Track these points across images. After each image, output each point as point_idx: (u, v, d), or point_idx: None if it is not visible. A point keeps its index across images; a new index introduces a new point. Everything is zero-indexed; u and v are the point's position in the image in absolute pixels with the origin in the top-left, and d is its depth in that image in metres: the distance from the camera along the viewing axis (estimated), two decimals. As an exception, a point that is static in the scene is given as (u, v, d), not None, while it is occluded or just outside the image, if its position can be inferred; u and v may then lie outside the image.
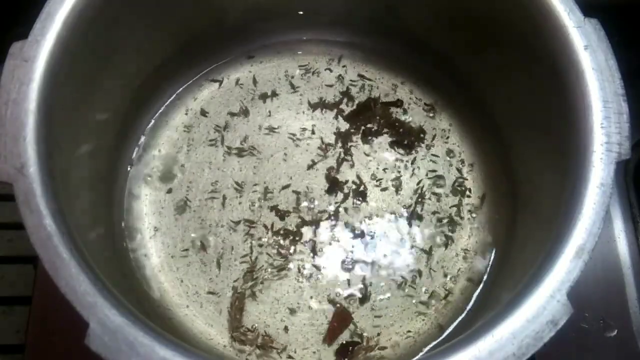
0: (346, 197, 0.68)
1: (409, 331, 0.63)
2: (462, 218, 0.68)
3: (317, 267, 0.65)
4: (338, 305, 0.63)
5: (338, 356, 0.61)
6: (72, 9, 0.50)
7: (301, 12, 0.73)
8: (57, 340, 0.62)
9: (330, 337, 0.62)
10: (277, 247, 0.65)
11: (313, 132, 0.71)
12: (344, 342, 0.62)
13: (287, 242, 0.66)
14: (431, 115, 0.73)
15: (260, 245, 0.65)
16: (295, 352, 0.61)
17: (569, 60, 0.50)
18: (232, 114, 0.72)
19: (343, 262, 0.65)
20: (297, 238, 0.66)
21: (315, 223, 0.66)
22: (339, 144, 0.71)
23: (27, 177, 0.44)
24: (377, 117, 0.72)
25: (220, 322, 0.63)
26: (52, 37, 0.49)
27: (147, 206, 0.67)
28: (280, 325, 0.62)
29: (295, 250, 0.65)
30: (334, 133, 0.71)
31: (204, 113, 0.72)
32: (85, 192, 0.58)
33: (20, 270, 0.71)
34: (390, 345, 0.62)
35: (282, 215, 0.67)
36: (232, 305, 0.63)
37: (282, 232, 0.66)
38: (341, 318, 0.62)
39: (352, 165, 0.70)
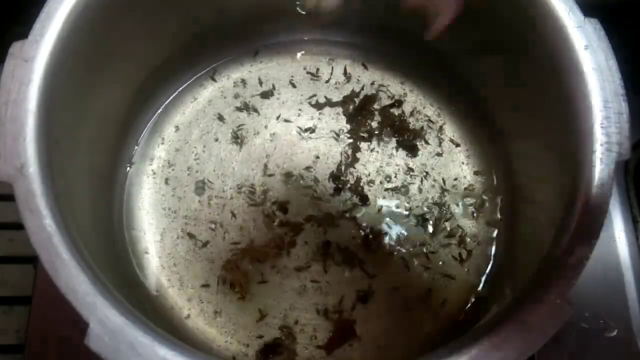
0: (351, 197, 0.68)
1: (409, 332, 0.63)
2: (463, 218, 0.68)
3: (319, 266, 0.65)
4: (342, 314, 0.63)
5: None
6: (72, 9, 0.50)
7: (302, 12, 0.73)
8: (57, 340, 0.61)
9: (330, 345, 0.61)
10: (279, 244, 0.65)
11: (315, 132, 0.71)
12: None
13: (290, 239, 0.66)
14: (431, 116, 0.73)
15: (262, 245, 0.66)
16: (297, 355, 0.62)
17: (569, 60, 0.50)
18: (233, 113, 0.72)
19: (345, 261, 0.65)
20: (299, 235, 0.66)
21: (319, 221, 0.67)
22: (343, 144, 0.71)
23: (27, 177, 0.44)
24: (378, 118, 0.72)
25: (221, 322, 0.63)
26: (52, 37, 0.49)
27: (147, 206, 0.67)
28: (278, 322, 0.62)
29: (296, 249, 0.65)
30: (337, 133, 0.71)
31: (204, 112, 0.72)
32: (85, 192, 0.58)
33: (20, 270, 0.71)
34: (389, 346, 0.62)
35: (284, 208, 0.67)
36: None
37: (285, 228, 0.66)
38: (343, 329, 0.62)
39: (357, 165, 0.70)
